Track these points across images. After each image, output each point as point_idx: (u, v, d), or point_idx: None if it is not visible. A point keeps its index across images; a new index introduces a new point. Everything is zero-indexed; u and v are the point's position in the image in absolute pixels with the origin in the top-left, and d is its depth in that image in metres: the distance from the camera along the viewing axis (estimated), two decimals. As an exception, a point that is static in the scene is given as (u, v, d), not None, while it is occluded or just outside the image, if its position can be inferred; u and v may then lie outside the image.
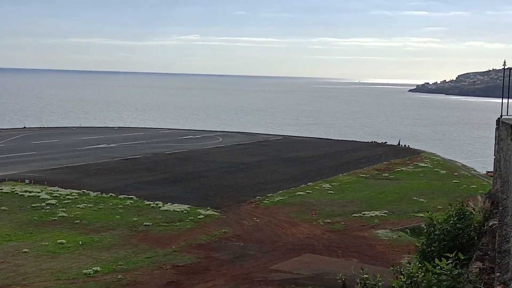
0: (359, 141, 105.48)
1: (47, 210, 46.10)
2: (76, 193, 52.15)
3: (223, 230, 41.91)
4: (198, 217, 45.27)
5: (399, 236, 41.67)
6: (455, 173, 69.10)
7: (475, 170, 75.09)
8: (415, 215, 46.80)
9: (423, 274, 7.66)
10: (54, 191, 52.37)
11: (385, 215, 47.61)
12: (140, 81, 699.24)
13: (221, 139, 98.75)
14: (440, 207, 45.13)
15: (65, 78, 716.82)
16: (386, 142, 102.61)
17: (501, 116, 19.22)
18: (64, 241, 37.99)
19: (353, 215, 47.41)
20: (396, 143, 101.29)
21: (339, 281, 7.82)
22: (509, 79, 20.41)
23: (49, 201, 48.55)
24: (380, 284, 7.82)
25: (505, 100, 19.53)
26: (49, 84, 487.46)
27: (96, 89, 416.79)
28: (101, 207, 47.86)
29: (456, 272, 7.81)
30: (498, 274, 6.72)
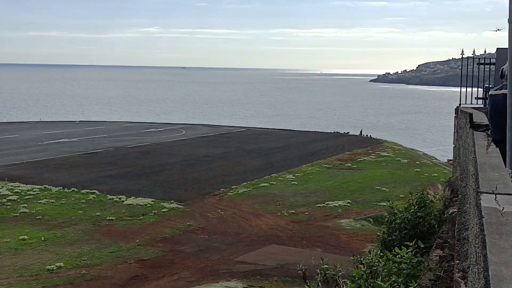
0: (322, 132, 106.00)
1: (8, 206, 45.44)
2: (37, 188, 51.48)
3: (188, 223, 41.80)
4: (162, 210, 45.05)
5: (362, 225, 42.02)
6: (417, 162, 69.87)
7: (436, 159, 76.04)
8: (378, 204, 47.21)
9: (383, 263, 7.76)
10: (15, 186, 51.63)
11: (348, 204, 47.95)
12: (101, 74, 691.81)
13: (184, 131, 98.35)
14: (402, 195, 45.57)
15: (24, 72, 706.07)
16: (348, 132, 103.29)
17: (460, 104, 19.49)
18: (26, 237, 37.50)
19: (317, 205, 47.65)
20: (358, 133, 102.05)
21: (299, 272, 7.84)
22: (467, 68, 20.70)
23: (10, 197, 47.84)
24: (340, 274, 7.89)
25: (463, 89, 19.79)
26: (8, 78, 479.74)
27: (56, 83, 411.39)
28: (63, 202, 47.33)
29: (416, 260, 7.92)
30: (458, 261, 6.82)
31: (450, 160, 61.78)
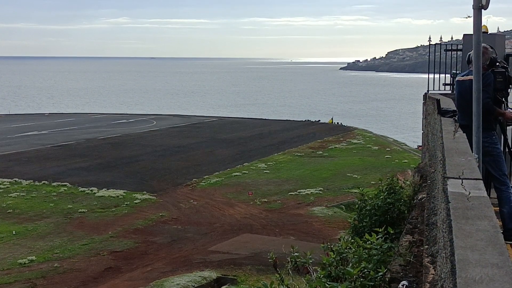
0: (293, 120, 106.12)
1: (-22, 201, 44.90)
2: (7, 182, 50.89)
3: (160, 214, 41.68)
4: (134, 201, 44.85)
5: (335, 212, 42.23)
6: (387, 149, 70.29)
7: (406, 145, 76.56)
8: (350, 191, 47.43)
9: (354, 249, 7.84)
10: (-16, 181, 51.02)
11: (321, 192, 48.14)
12: (70, 65, 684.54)
13: (155, 122, 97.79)
14: (373, 182, 45.79)
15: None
16: (319, 120, 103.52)
17: (428, 91, 19.65)
18: (-4, 231, 37.13)
19: (289, 193, 47.77)
20: (328, 121, 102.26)
21: (270, 260, 7.86)
22: (435, 54, 20.86)
23: (-21, 192, 47.29)
24: (311, 261, 7.94)
25: (431, 75, 19.94)
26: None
27: (25, 75, 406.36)
28: (34, 195, 46.86)
29: (386, 246, 8.01)
30: (427, 246, 6.90)
31: (419, 146, 62.20)
